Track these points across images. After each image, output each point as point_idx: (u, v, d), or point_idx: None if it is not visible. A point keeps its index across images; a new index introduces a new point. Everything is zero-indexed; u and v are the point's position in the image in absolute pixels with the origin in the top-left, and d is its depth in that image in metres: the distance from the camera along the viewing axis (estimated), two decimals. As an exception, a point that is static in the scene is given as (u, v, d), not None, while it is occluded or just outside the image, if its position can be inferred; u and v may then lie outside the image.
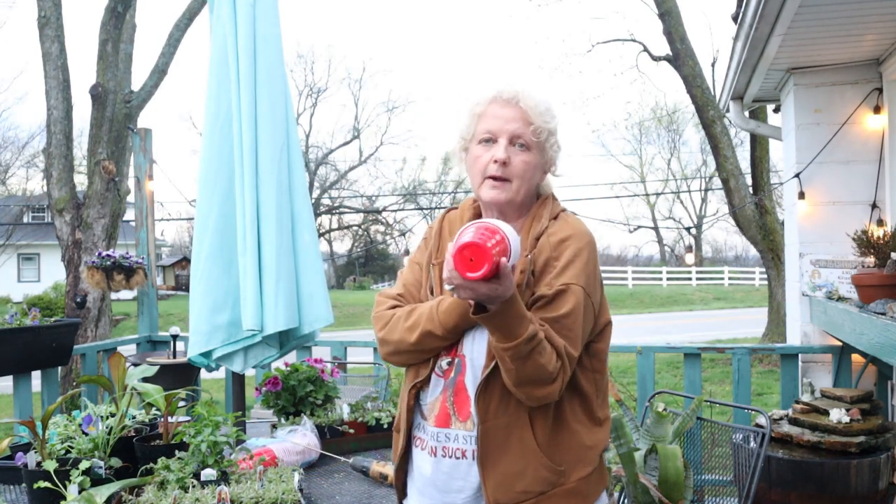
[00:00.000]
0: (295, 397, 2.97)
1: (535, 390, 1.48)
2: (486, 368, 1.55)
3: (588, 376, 1.63)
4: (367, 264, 38.71)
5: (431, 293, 1.68)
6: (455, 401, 1.60)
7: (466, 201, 1.79)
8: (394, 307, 1.70)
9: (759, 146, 9.96)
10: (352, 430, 2.85)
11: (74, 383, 7.36)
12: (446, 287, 1.40)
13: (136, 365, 2.85)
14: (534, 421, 1.54)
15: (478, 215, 1.73)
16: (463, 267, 1.33)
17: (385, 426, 2.89)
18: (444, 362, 1.63)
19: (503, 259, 1.33)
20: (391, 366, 2.63)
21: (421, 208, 36.53)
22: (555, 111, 1.67)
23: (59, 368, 4.48)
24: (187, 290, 3.67)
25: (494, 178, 1.61)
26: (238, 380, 3.18)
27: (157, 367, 2.54)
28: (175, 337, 3.69)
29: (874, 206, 3.97)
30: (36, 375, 3.62)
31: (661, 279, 32.30)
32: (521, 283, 1.53)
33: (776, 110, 5.13)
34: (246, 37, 2.91)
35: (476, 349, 1.59)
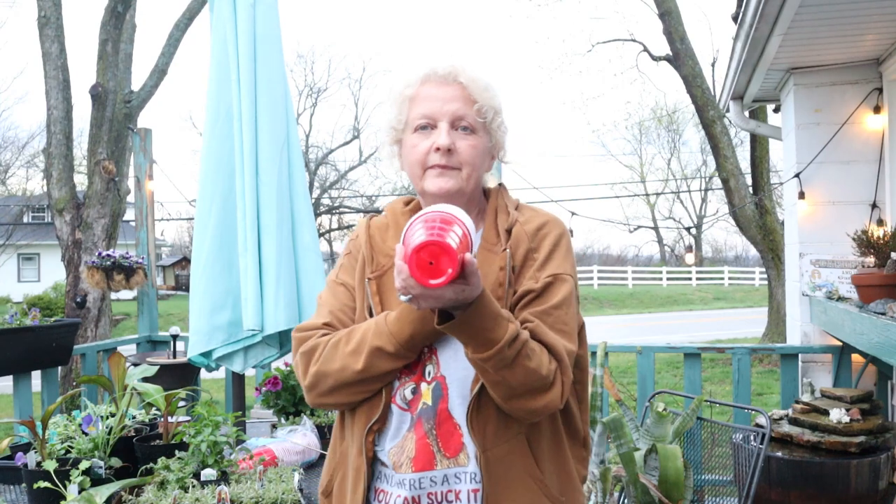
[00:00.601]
0: (295, 397, 2.97)
1: (532, 401, 1.26)
2: (475, 384, 1.30)
3: (570, 390, 1.40)
4: (367, 264, 38.52)
5: (370, 314, 1.39)
6: (439, 434, 1.31)
7: (396, 205, 1.52)
8: (324, 336, 1.39)
9: (759, 146, 9.96)
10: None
11: (74, 383, 7.36)
12: (401, 298, 1.18)
13: (136, 365, 2.85)
14: (533, 446, 1.33)
15: None
16: (422, 273, 1.10)
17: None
18: (407, 390, 1.34)
19: (467, 255, 1.11)
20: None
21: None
22: (497, 88, 1.44)
23: (59, 368, 4.48)
24: (187, 290, 3.67)
25: (439, 166, 1.38)
26: (238, 380, 3.18)
27: (157, 367, 2.55)
28: (175, 337, 3.69)
29: (874, 205, 3.97)
30: (36, 375, 3.62)
31: (661, 279, 32.30)
32: (502, 281, 1.34)
33: (776, 110, 5.13)
34: (246, 37, 2.91)
35: (460, 365, 1.32)
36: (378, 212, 1.60)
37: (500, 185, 1.52)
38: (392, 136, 1.46)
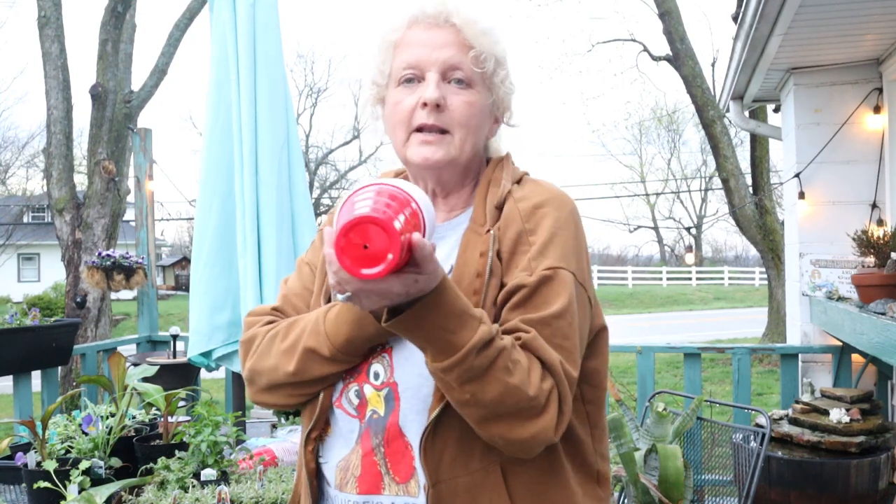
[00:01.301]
0: (295, 397, 2.96)
1: (514, 430, 0.97)
2: (437, 401, 1.02)
3: (580, 412, 1.11)
4: (367, 264, 38.54)
5: (329, 301, 1.15)
6: (387, 452, 1.06)
7: (385, 175, 1.28)
8: (268, 324, 1.17)
9: (759, 146, 9.96)
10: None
11: (74, 383, 7.36)
12: (337, 298, 0.93)
13: (136, 365, 2.86)
14: (509, 479, 1.04)
15: None
16: (353, 261, 0.84)
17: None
18: (351, 393, 1.10)
19: (415, 234, 0.86)
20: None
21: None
22: (501, 32, 1.16)
23: (59, 368, 4.48)
24: (187, 290, 3.65)
25: (425, 128, 1.11)
26: (238, 380, 3.18)
27: (157, 367, 2.55)
28: (175, 337, 3.69)
29: (874, 205, 3.97)
30: (36, 375, 3.62)
31: (661, 279, 32.29)
32: (480, 271, 1.06)
33: (776, 110, 5.13)
34: (246, 37, 2.91)
35: (413, 371, 1.05)
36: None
37: (507, 154, 1.24)
38: (374, 93, 1.19)
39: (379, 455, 1.07)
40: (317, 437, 1.13)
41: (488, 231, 1.09)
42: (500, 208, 1.13)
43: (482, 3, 1.17)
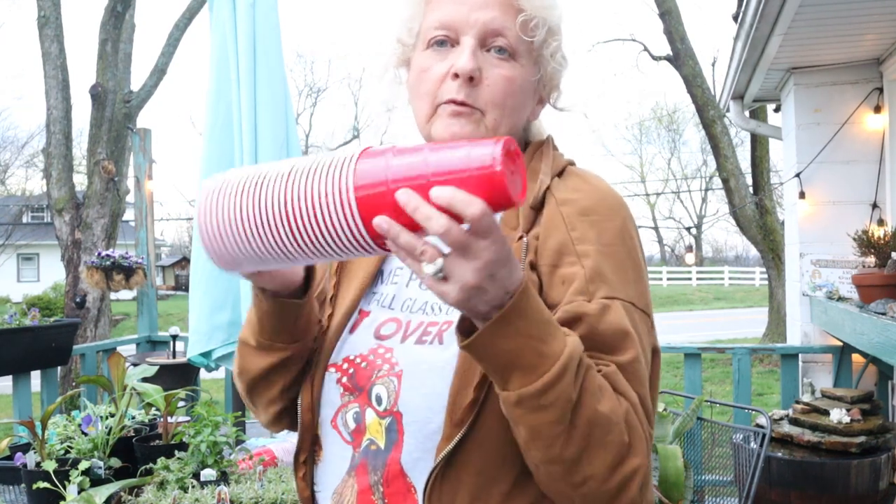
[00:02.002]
0: (295, 397, 2.96)
1: (610, 469, 0.77)
2: (447, 438, 0.84)
3: None
4: (366, 264, 38.61)
5: (333, 299, 1.02)
6: (387, 493, 0.89)
7: None
8: None
9: (759, 146, 9.96)
10: (352, 431, 2.84)
11: (74, 383, 7.35)
12: (428, 273, 0.69)
13: (135, 365, 2.85)
14: None
15: None
16: (509, 181, 0.67)
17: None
18: (349, 415, 0.93)
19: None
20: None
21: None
22: None
23: (59, 368, 4.47)
24: (187, 290, 3.66)
25: (455, 102, 0.90)
26: (238, 380, 3.17)
27: (156, 368, 2.54)
28: (175, 337, 3.69)
29: (874, 205, 3.97)
30: (35, 375, 3.61)
31: (661, 279, 32.30)
32: None
33: (776, 110, 5.13)
34: (246, 37, 2.90)
35: (421, 402, 0.88)
36: None
37: (548, 138, 1.04)
38: (399, 53, 0.99)
39: (377, 495, 0.90)
40: (306, 461, 0.99)
41: (521, 237, 0.90)
42: (536, 209, 0.93)
43: None
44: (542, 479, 0.81)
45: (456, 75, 0.90)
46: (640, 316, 0.88)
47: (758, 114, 7.27)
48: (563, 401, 0.74)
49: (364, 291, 1.02)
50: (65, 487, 1.97)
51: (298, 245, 0.75)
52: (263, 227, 0.75)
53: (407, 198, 0.68)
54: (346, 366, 0.96)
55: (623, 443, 0.78)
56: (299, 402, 0.99)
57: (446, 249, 0.69)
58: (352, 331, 1.00)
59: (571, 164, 1.01)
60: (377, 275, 1.03)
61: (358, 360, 0.95)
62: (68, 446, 2.22)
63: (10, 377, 3.47)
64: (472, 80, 0.90)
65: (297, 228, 0.73)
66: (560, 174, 0.97)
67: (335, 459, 0.96)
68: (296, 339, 0.96)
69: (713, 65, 14.01)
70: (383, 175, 0.70)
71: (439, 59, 0.93)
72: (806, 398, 3.30)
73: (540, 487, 0.83)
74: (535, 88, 0.98)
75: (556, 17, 0.95)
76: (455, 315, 0.84)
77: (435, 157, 0.70)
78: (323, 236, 0.73)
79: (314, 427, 0.98)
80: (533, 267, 0.89)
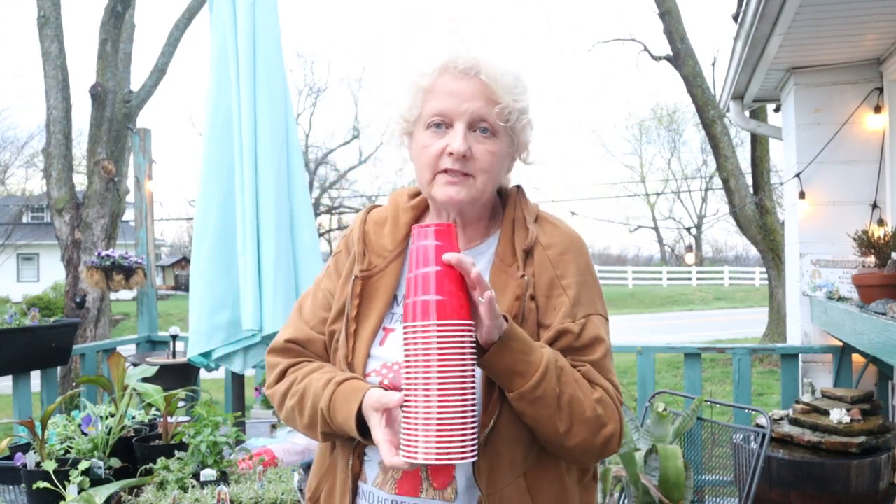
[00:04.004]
0: (295, 397, 2.96)
1: (593, 436, 1.17)
2: (489, 415, 1.16)
3: None
4: (366, 264, 38.47)
5: (341, 315, 1.29)
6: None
7: (399, 196, 1.38)
8: (282, 374, 1.31)
9: (759, 146, 9.96)
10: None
11: (74, 383, 7.35)
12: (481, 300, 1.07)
13: (135, 365, 2.85)
14: (533, 491, 1.20)
15: (421, 215, 1.36)
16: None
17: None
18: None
19: (484, 296, 1.06)
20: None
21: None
22: (526, 81, 1.27)
23: (59, 369, 4.47)
24: (187, 290, 3.67)
25: (450, 171, 1.23)
26: (238, 380, 3.18)
27: (156, 368, 2.54)
28: (175, 337, 3.69)
29: (875, 205, 3.96)
30: (35, 375, 3.61)
31: (661, 279, 32.30)
32: (516, 313, 1.21)
33: (776, 110, 5.13)
34: (246, 37, 2.91)
35: None
36: (377, 206, 1.43)
37: (518, 188, 1.37)
38: (403, 127, 1.30)
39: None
40: (363, 448, 1.24)
41: (523, 276, 1.24)
42: (527, 251, 1.27)
43: (510, 52, 1.26)
44: (552, 449, 1.19)
45: (451, 153, 1.21)
46: (605, 322, 1.28)
47: (758, 114, 7.27)
48: (550, 392, 1.12)
49: (385, 312, 1.28)
50: (65, 487, 1.97)
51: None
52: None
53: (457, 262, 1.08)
54: (385, 371, 1.23)
55: (598, 415, 1.16)
56: None
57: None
58: (381, 344, 1.26)
59: (538, 208, 1.35)
60: (393, 298, 1.30)
61: (395, 366, 1.22)
62: (68, 446, 2.22)
63: (10, 377, 3.47)
64: (464, 157, 1.22)
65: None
66: (535, 220, 1.32)
67: None
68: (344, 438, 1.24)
69: (713, 65, 14.01)
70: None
71: (437, 138, 1.24)
72: (806, 398, 3.30)
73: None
74: (510, 153, 1.30)
75: (524, 102, 1.26)
76: None
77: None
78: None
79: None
80: (532, 298, 1.23)
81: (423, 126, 1.25)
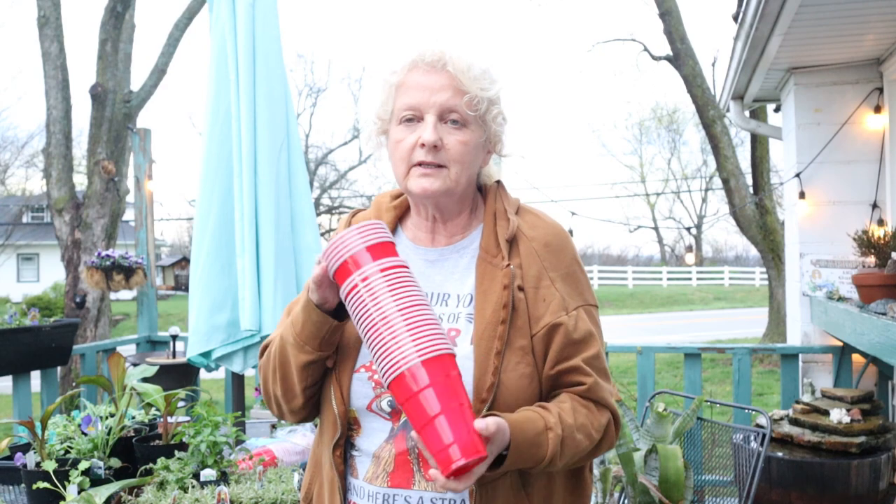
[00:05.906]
0: (295, 397, 2.95)
1: (596, 454, 1.28)
2: (477, 412, 1.18)
3: None
4: (366, 264, 38.51)
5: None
6: (422, 455, 1.20)
7: (382, 197, 1.42)
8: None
9: (759, 146, 9.95)
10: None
11: (74, 383, 7.35)
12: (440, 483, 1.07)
13: (135, 365, 2.85)
14: (525, 482, 1.24)
15: (403, 215, 1.39)
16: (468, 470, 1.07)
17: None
18: (384, 402, 1.24)
19: (485, 423, 1.08)
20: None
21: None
22: (495, 73, 1.29)
23: (59, 369, 4.48)
24: (187, 290, 3.68)
25: (424, 164, 1.25)
26: (238, 380, 3.17)
27: (156, 368, 2.54)
28: (174, 337, 3.68)
29: (875, 205, 3.96)
30: (35, 376, 3.61)
31: (661, 279, 32.29)
32: (506, 302, 1.22)
33: (776, 110, 5.13)
34: (246, 37, 2.90)
35: None
36: (363, 209, 1.45)
37: (498, 182, 1.39)
38: (378, 126, 1.33)
39: (413, 455, 1.21)
40: (343, 444, 1.26)
41: (508, 266, 1.25)
42: (510, 241, 1.28)
43: (477, 45, 1.33)
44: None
45: (423, 144, 1.24)
46: (595, 310, 1.31)
47: (758, 114, 7.27)
48: (569, 453, 1.19)
49: None
50: (65, 487, 1.97)
51: (369, 339, 1.11)
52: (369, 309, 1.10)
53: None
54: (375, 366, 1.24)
55: (611, 432, 1.26)
56: (332, 397, 1.26)
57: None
58: None
59: (518, 201, 1.38)
60: None
61: None
62: (68, 446, 2.22)
63: (10, 377, 3.47)
64: (435, 147, 1.24)
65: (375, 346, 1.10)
66: (517, 212, 1.34)
67: (375, 432, 1.24)
68: (320, 350, 1.24)
69: (713, 65, 13.95)
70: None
71: (409, 131, 1.26)
72: (806, 398, 3.30)
73: None
74: (483, 144, 1.31)
75: (494, 92, 1.28)
76: (454, 325, 1.26)
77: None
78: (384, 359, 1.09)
79: (346, 414, 1.26)
80: (521, 289, 1.25)
81: (397, 122, 1.28)
